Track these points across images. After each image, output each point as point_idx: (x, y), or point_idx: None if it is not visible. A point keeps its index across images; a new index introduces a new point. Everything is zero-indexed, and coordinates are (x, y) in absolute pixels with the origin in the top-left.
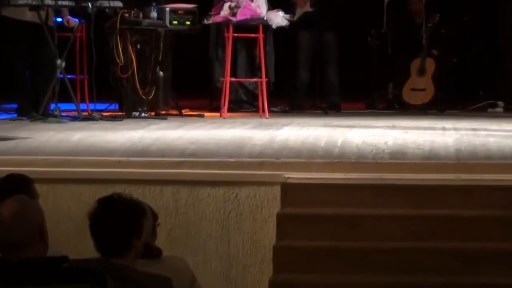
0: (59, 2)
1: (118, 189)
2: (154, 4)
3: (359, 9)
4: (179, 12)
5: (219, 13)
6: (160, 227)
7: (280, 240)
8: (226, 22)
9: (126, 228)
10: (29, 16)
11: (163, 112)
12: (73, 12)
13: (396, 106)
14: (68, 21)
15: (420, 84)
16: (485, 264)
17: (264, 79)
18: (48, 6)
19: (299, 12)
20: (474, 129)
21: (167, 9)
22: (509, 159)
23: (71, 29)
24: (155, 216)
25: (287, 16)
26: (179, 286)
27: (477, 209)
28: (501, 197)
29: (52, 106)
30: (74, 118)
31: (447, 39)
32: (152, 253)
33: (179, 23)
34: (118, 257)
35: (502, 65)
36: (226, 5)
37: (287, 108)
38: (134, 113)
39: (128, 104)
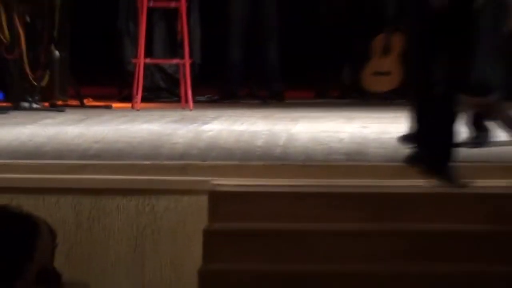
0: None
1: (4, 200)
2: None
3: None
4: None
5: None
6: (59, 246)
7: (208, 263)
8: None
9: (13, 251)
10: None
11: (60, 102)
12: None
13: (354, 95)
14: None
15: (384, 67)
16: None
17: (187, 60)
18: None
19: None
20: None
21: None
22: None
23: None
24: (54, 234)
25: None
26: None
27: (453, 222)
28: (487, 208)
29: None
30: None
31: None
32: (50, 279)
33: None
34: (7, 285)
35: None
36: None
37: (217, 97)
38: (23, 103)
39: (15, 93)
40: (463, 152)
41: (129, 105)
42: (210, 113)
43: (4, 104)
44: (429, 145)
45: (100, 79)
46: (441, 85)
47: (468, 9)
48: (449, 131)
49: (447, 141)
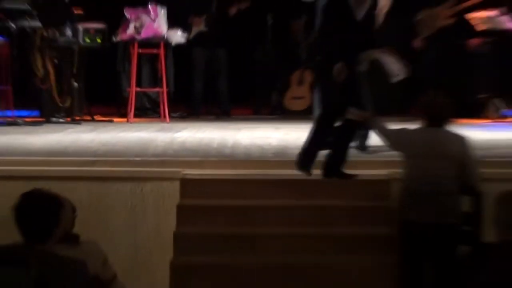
0: None
1: (39, 185)
2: (68, 23)
3: (246, 29)
4: (91, 31)
5: (125, 32)
6: (77, 217)
7: (180, 227)
8: (132, 40)
9: (46, 218)
10: None
11: (78, 118)
12: None
13: (279, 112)
14: None
15: (299, 93)
16: (355, 246)
17: (165, 89)
18: None
19: (194, 31)
20: None
21: (80, 28)
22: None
23: None
24: (73, 208)
25: (184, 34)
26: (93, 267)
27: (345, 199)
28: (370, 189)
29: None
30: (0, 124)
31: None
32: (71, 239)
33: (91, 41)
34: (40, 243)
35: None
36: (132, 24)
37: (185, 114)
38: (52, 119)
39: (47, 111)
40: (354, 152)
41: (125, 119)
42: (180, 125)
43: (39, 119)
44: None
45: (105, 102)
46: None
47: (355, 74)
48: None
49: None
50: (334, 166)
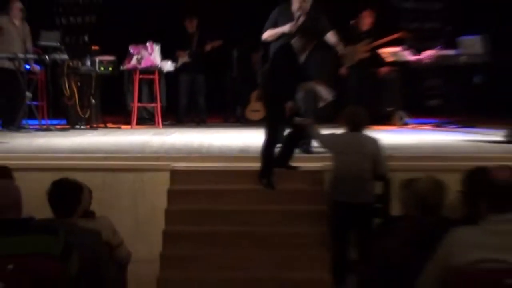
0: (27, 56)
1: (66, 175)
2: (88, 56)
3: (218, 60)
4: (104, 62)
5: (130, 63)
6: (93, 198)
7: (170, 206)
8: (134, 68)
9: (71, 199)
10: (7, 64)
11: (95, 125)
12: (36, 62)
13: (242, 121)
14: (33, 68)
15: (257, 107)
16: (299, 218)
17: (158, 104)
18: (20, 58)
19: (180, 61)
20: None
21: (97, 59)
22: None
23: (35, 73)
24: (90, 192)
25: (173, 64)
26: (105, 236)
27: (292, 184)
28: (309, 177)
29: (23, 122)
30: (37, 129)
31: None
32: (89, 215)
33: (104, 69)
34: (67, 217)
35: None
36: (135, 57)
37: (173, 122)
38: (76, 126)
39: (72, 121)
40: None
41: (129, 126)
42: (170, 130)
43: (66, 126)
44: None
45: (115, 113)
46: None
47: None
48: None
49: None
50: (283, 160)
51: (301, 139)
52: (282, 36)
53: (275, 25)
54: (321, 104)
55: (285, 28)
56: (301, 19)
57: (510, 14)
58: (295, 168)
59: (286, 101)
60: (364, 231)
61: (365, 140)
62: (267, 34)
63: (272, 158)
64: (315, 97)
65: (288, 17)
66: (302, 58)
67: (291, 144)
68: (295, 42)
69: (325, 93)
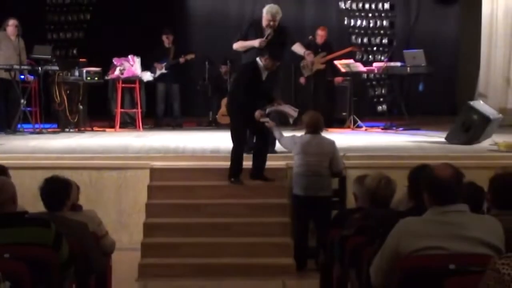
0: (22, 67)
1: (57, 173)
2: (76, 67)
3: (192, 70)
4: (91, 72)
5: (113, 73)
6: (80, 193)
7: (150, 199)
8: (118, 78)
9: (61, 194)
10: (4, 75)
11: (82, 128)
12: (30, 72)
13: (214, 125)
14: (27, 77)
15: (226, 112)
16: (265, 210)
17: (139, 110)
18: (16, 69)
19: (158, 72)
20: None
21: (84, 70)
22: None
23: (29, 82)
24: (78, 188)
25: (152, 74)
26: (92, 227)
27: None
28: (274, 174)
29: (19, 125)
30: (31, 132)
31: None
32: (76, 208)
33: (91, 79)
34: (57, 211)
35: None
36: (118, 68)
37: (152, 125)
38: (65, 129)
39: (62, 124)
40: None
41: (113, 129)
42: (150, 133)
43: (57, 130)
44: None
45: (100, 118)
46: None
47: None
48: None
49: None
50: (258, 173)
51: (266, 151)
52: (251, 49)
53: (245, 37)
54: (290, 120)
55: (255, 43)
56: (270, 36)
57: None
58: (270, 179)
59: (248, 110)
60: (323, 221)
61: (323, 142)
62: (238, 45)
63: (240, 160)
64: (281, 115)
65: (258, 31)
66: (265, 75)
67: (259, 157)
68: (263, 61)
69: (290, 110)
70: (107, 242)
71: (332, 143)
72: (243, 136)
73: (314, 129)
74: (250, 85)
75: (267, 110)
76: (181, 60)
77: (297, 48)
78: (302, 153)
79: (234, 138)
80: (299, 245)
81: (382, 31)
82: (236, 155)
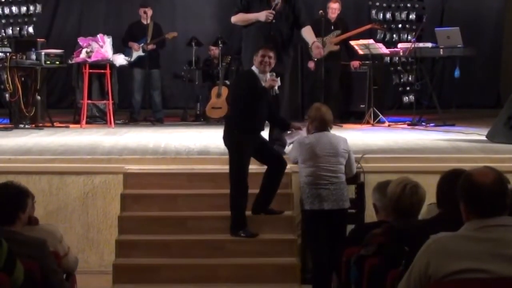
0: None
1: (10, 178)
2: (33, 49)
3: (175, 52)
4: (51, 55)
5: (79, 56)
6: (38, 203)
7: (123, 211)
8: (84, 62)
9: (14, 205)
10: None
11: (40, 124)
12: None
13: (202, 119)
14: None
15: (218, 104)
16: (264, 225)
17: (110, 101)
18: None
19: (134, 55)
20: None
21: (43, 53)
22: None
23: None
24: (32, 196)
25: (127, 58)
26: (52, 244)
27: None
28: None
29: None
30: None
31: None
32: (32, 221)
33: (51, 63)
34: (9, 225)
35: None
36: (84, 50)
37: (127, 120)
38: (19, 125)
39: (15, 119)
40: None
41: (78, 125)
42: (123, 129)
43: (9, 125)
44: None
45: (62, 111)
46: None
47: None
48: None
49: None
50: (263, 205)
51: (280, 176)
52: (255, 22)
53: (247, 8)
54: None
55: (261, 16)
56: (279, 5)
57: None
58: (277, 212)
59: (253, 135)
60: (336, 239)
61: (334, 140)
62: (238, 18)
63: (242, 210)
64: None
65: (262, 1)
66: (263, 79)
67: (272, 186)
68: (265, 80)
69: (294, 136)
70: (69, 259)
71: (345, 140)
72: (245, 173)
73: (321, 125)
74: (247, 100)
75: (288, 142)
76: (164, 37)
77: (307, 33)
78: (310, 160)
79: (233, 175)
80: (322, 270)
81: (409, 4)
82: (236, 203)
